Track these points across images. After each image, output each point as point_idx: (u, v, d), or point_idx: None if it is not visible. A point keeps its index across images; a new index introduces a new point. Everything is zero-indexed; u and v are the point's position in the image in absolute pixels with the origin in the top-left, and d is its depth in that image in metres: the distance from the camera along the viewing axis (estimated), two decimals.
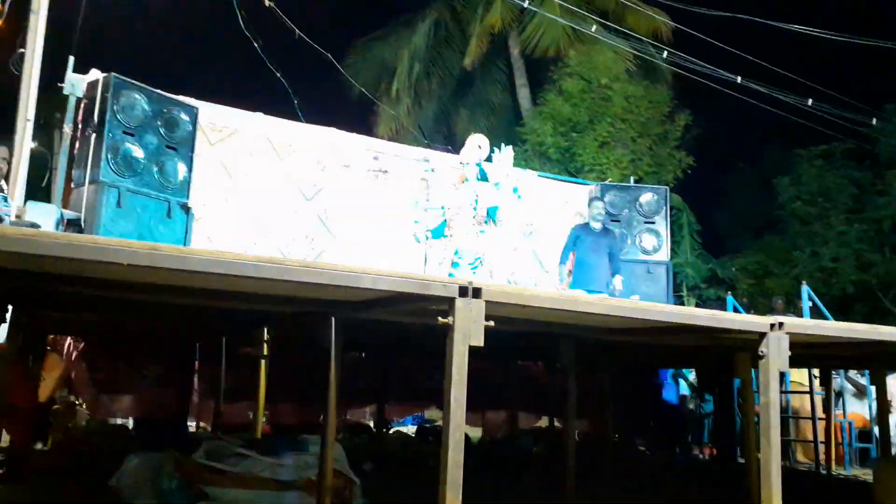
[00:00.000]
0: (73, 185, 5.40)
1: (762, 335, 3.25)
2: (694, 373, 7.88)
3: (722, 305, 8.69)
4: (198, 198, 5.93)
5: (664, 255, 7.39)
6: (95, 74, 5.49)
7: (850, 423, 7.60)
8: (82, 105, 5.51)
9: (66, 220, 4.98)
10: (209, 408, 5.68)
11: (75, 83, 5.57)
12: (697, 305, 11.74)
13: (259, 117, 6.51)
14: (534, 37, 13.01)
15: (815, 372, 7.02)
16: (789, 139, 14.02)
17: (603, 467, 5.44)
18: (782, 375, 4.69)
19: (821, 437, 6.80)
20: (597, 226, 6.58)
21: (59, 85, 5.62)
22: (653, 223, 7.43)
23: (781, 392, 6.72)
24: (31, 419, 4.61)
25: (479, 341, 2.63)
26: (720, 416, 6.76)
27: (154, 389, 5.33)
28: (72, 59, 5.62)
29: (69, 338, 5.23)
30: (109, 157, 5.21)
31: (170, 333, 5.31)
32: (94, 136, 5.25)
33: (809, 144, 13.07)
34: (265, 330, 4.48)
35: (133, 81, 5.46)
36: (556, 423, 7.03)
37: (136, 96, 5.42)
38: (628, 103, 11.70)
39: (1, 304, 3.62)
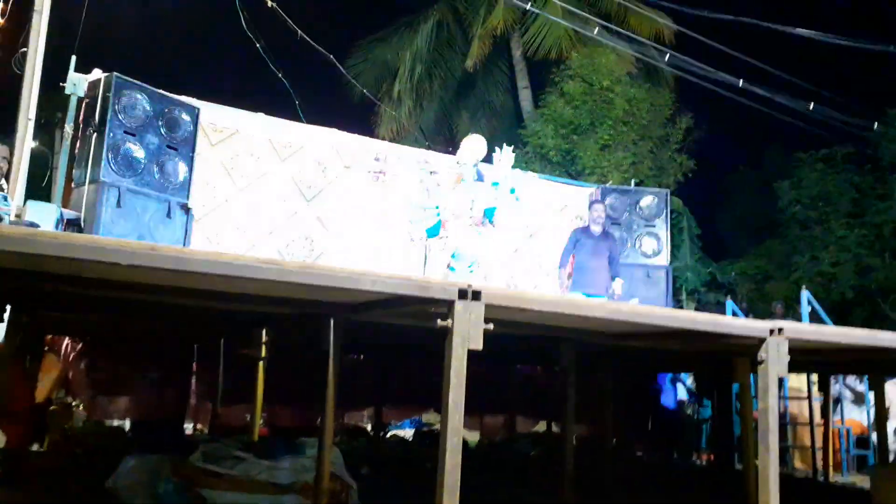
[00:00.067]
0: (73, 185, 5.40)
1: (761, 340, 3.24)
2: (692, 377, 7.86)
3: (721, 310, 8.69)
4: (198, 198, 5.93)
5: (664, 258, 7.38)
6: (97, 74, 5.50)
7: (847, 430, 7.59)
8: (84, 104, 5.51)
9: (65, 220, 4.98)
10: (206, 410, 5.67)
11: (77, 82, 5.57)
12: (696, 310, 11.72)
13: (260, 118, 6.51)
14: (536, 39, 13.02)
15: (814, 378, 7.01)
16: (790, 143, 14.05)
17: (601, 472, 5.43)
18: (781, 381, 4.68)
19: (818, 444, 6.79)
20: (597, 229, 6.58)
21: (61, 84, 5.62)
22: (653, 227, 7.41)
23: (780, 398, 6.72)
24: (27, 420, 4.60)
25: (478, 344, 2.63)
26: (718, 421, 6.74)
27: (151, 391, 5.32)
28: (74, 58, 5.62)
29: (67, 338, 5.22)
30: (110, 156, 5.21)
31: (168, 334, 5.30)
32: (94, 135, 5.26)
33: (810, 148, 13.09)
34: (263, 331, 4.46)
35: (135, 81, 5.46)
36: (554, 428, 7.01)
37: (138, 96, 5.43)
38: (630, 106, 11.71)
39: None
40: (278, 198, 6.42)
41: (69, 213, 5.10)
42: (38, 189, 6.76)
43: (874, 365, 5.08)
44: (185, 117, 5.74)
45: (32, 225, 4.35)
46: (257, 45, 7.90)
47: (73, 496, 3.77)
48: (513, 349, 5.14)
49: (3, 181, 4.91)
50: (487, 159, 5.46)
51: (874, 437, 6.59)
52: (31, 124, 5.90)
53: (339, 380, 3.48)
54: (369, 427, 6.92)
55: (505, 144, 5.35)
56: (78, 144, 5.47)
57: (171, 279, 2.72)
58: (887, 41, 10.00)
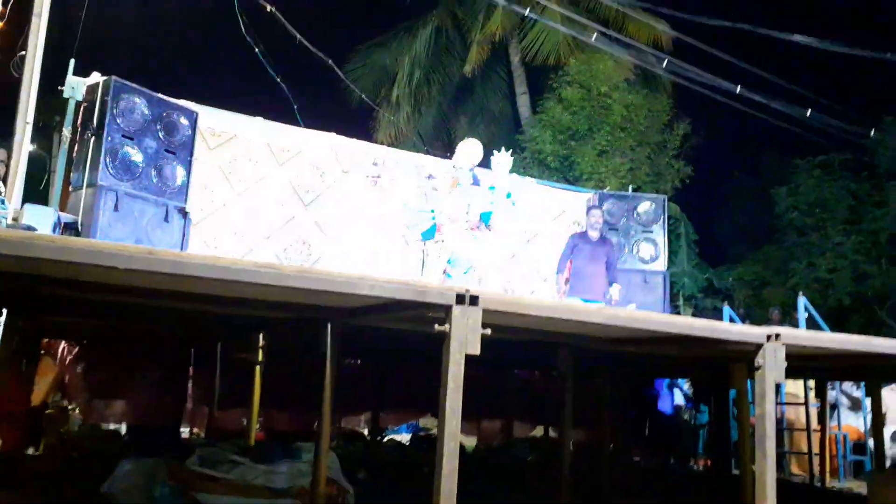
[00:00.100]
0: (70, 189, 5.39)
1: (758, 346, 3.25)
2: (689, 383, 7.87)
3: (718, 316, 8.70)
4: (196, 202, 5.92)
5: (661, 264, 7.39)
6: (96, 78, 5.50)
7: (844, 436, 7.59)
8: (82, 108, 5.51)
9: (63, 224, 4.97)
10: (203, 414, 5.66)
11: (75, 86, 5.57)
12: (694, 315, 11.74)
13: (258, 122, 6.51)
14: (534, 45, 13.06)
15: (811, 384, 7.02)
16: (788, 149, 14.09)
17: (598, 477, 5.42)
18: (778, 387, 4.69)
19: (815, 449, 6.79)
20: (594, 235, 6.59)
21: (60, 88, 5.62)
22: (650, 232, 7.43)
23: (777, 403, 6.72)
24: (23, 423, 4.59)
25: (476, 349, 2.63)
26: (715, 426, 6.75)
27: (148, 394, 5.30)
28: (72, 61, 5.62)
29: (63, 342, 5.21)
30: (108, 160, 5.21)
31: (164, 338, 5.29)
32: (93, 139, 5.25)
33: (808, 155, 13.12)
34: (260, 336, 4.46)
35: (133, 85, 5.46)
36: (551, 433, 7.01)
37: (136, 100, 5.43)
38: (627, 112, 11.74)
39: None
40: (276, 202, 6.43)
41: (66, 217, 5.10)
42: (35, 192, 6.76)
43: (871, 371, 5.10)
44: (184, 121, 5.74)
45: (30, 228, 4.35)
46: (256, 50, 7.91)
47: (68, 500, 3.76)
48: (510, 354, 5.15)
49: (1, 184, 4.90)
50: (486, 163, 5.47)
51: (871, 442, 6.59)
52: (30, 128, 5.89)
53: (336, 384, 3.48)
54: (366, 431, 6.92)
55: (503, 148, 5.35)
56: (76, 148, 5.47)
57: (169, 283, 2.72)
58: (884, 48, 10.05)
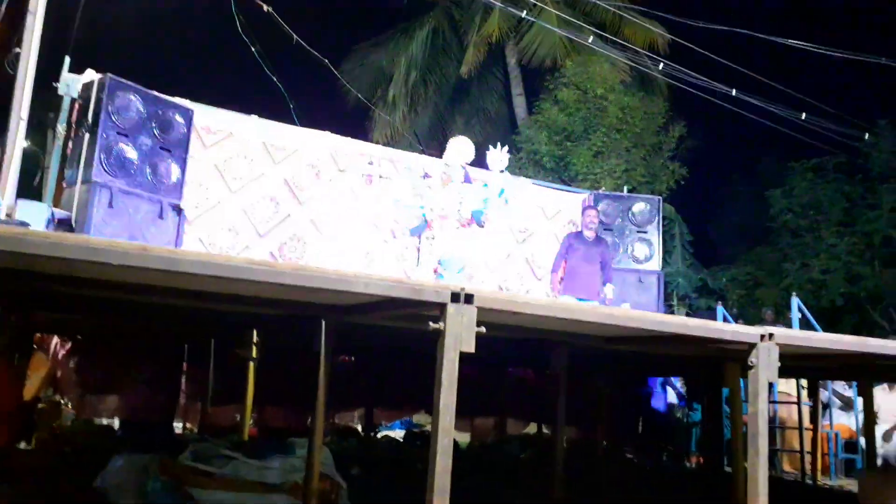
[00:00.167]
0: (64, 185, 5.38)
1: (752, 345, 3.27)
2: (683, 381, 7.90)
3: (712, 315, 8.73)
4: (191, 200, 5.92)
5: (656, 264, 7.42)
6: (91, 75, 5.48)
7: (836, 434, 7.63)
8: (77, 105, 5.50)
9: (56, 220, 4.96)
10: (196, 409, 5.65)
11: (70, 83, 5.56)
12: (688, 315, 11.78)
13: (254, 120, 6.51)
14: (530, 47, 13.08)
15: (803, 383, 7.06)
16: (783, 152, 14.15)
17: (591, 474, 5.44)
18: (771, 386, 4.71)
19: (807, 448, 6.83)
20: (590, 234, 6.61)
21: (54, 85, 5.61)
22: (645, 233, 7.46)
23: (769, 402, 6.74)
24: (15, 418, 4.58)
25: (471, 347, 2.64)
26: (708, 424, 6.77)
27: (141, 390, 5.30)
28: (67, 59, 5.61)
29: (55, 337, 5.20)
30: (102, 157, 5.19)
31: (158, 334, 5.29)
32: (87, 135, 5.24)
33: (803, 157, 13.19)
34: (254, 332, 4.47)
35: (128, 82, 5.45)
36: (545, 430, 7.03)
37: (131, 97, 5.42)
38: (623, 114, 11.78)
39: None
40: (271, 200, 6.42)
41: (60, 213, 5.08)
42: (29, 188, 6.73)
43: (863, 371, 5.13)
44: (179, 119, 5.73)
45: (23, 224, 4.33)
46: (253, 49, 7.90)
47: (61, 495, 3.75)
48: (504, 352, 5.16)
49: None
50: (478, 162, 5.47)
51: (862, 441, 6.64)
52: (24, 124, 5.88)
53: (330, 381, 3.48)
54: (360, 427, 6.93)
55: (499, 143, 5.33)
56: (70, 144, 5.46)
57: (163, 279, 2.72)
58: (879, 52, 10.11)
